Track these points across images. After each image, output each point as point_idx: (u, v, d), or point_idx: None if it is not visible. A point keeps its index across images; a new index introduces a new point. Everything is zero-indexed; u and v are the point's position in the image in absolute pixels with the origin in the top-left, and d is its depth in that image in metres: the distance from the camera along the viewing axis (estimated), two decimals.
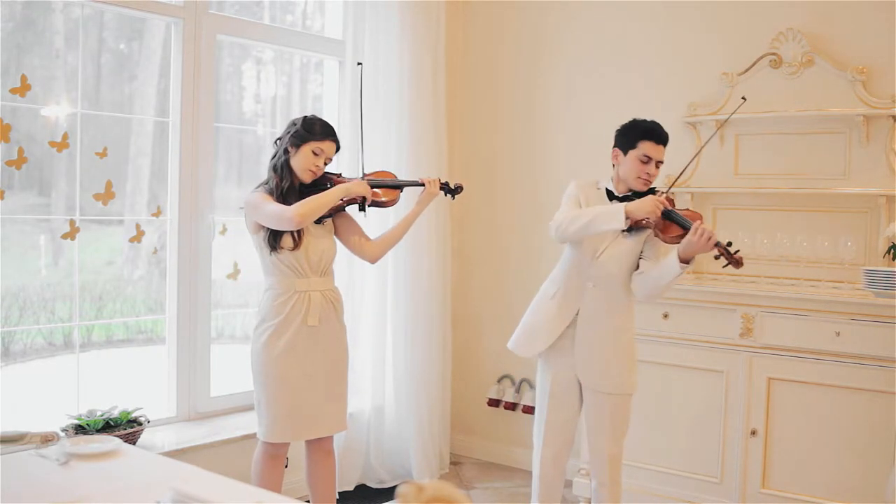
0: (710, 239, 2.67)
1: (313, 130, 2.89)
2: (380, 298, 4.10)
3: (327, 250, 2.95)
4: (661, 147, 2.89)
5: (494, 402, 4.51)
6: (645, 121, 2.93)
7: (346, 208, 3.02)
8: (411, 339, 4.14)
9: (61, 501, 1.76)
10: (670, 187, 3.11)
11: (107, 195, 3.39)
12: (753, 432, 3.38)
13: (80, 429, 3.11)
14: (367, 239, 3.06)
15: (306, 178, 2.91)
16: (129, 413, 3.26)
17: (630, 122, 2.95)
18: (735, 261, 2.71)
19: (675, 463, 3.58)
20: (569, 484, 3.91)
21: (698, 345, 3.51)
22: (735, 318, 3.42)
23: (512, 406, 4.42)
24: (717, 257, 2.74)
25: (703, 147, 3.38)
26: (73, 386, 3.37)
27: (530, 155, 4.44)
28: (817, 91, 3.56)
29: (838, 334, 3.20)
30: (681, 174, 3.20)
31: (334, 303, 2.98)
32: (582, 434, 3.12)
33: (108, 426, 3.17)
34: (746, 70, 3.73)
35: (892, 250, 3.30)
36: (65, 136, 3.26)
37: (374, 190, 3.02)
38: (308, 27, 4.36)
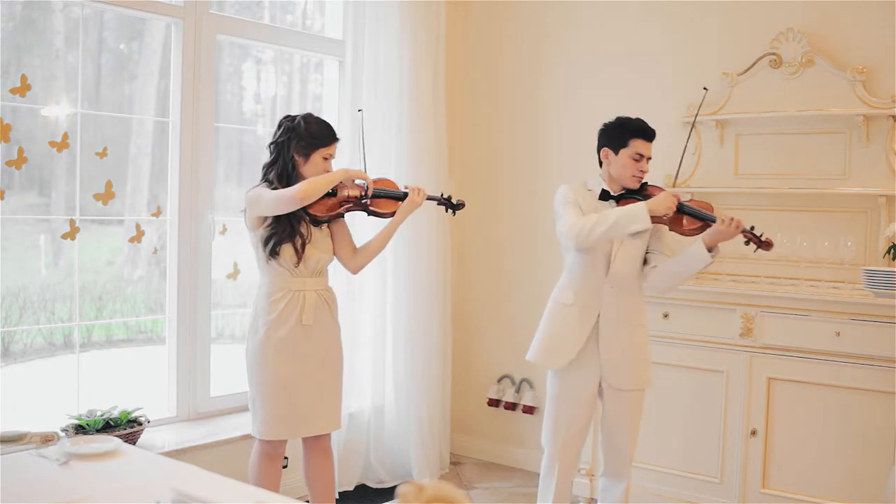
0: (738, 226, 2.74)
1: (320, 136, 2.88)
2: (380, 298, 4.10)
3: (324, 255, 2.94)
4: (650, 144, 2.93)
5: (494, 402, 4.51)
6: (632, 119, 2.96)
7: (345, 216, 3.01)
8: (411, 339, 4.13)
9: (61, 501, 1.76)
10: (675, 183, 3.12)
11: (107, 195, 3.39)
12: (753, 432, 3.38)
13: (80, 429, 3.11)
14: (354, 250, 3.04)
15: None
16: (129, 413, 3.26)
17: (618, 121, 2.97)
18: (764, 243, 2.78)
19: (675, 463, 3.58)
20: None
21: (698, 345, 3.51)
22: (735, 318, 3.42)
23: (512, 406, 4.42)
24: (746, 243, 2.82)
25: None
26: (73, 386, 3.37)
27: (530, 155, 4.44)
28: (817, 91, 3.56)
29: (838, 334, 3.20)
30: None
31: (329, 302, 2.97)
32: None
33: (108, 426, 3.17)
34: (746, 70, 3.73)
35: (892, 250, 3.30)
36: (65, 136, 3.26)
37: (374, 200, 2.99)
38: (308, 27, 4.36)
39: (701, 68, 3.89)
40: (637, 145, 2.89)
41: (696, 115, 3.19)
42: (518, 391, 4.45)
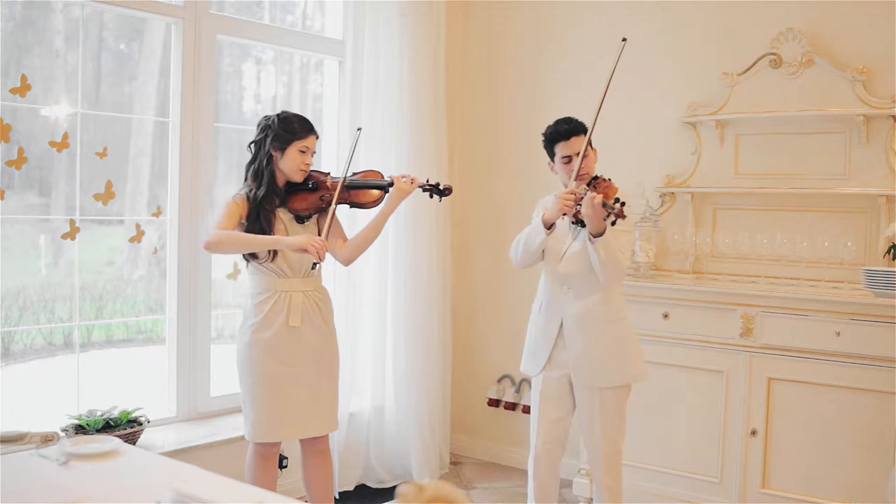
0: (595, 203, 2.65)
1: (295, 130, 2.88)
2: (380, 298, 4.10)
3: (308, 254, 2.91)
4: (573, 140, 2.91)
5: (494, 402, 4.51)
6: (550, 125, 2.99)
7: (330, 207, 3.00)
8: (411, 339, 4.13)
9: (61, 501, 1.76)
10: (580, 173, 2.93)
11: (107, 195, 3.40)
12: (753, 432, 3.38)
13: (80, 429, 3.11)
14: (344, 241, 3.02)
15: (299, 177, 2.92)
16: (129, 413, 3.26)
17: (544, 133, 3.00)
18: (618, 214, 2.63)
19: (675, 463, 3.58)
20: (568, 484, 3.91)
21: (698, 345, 3.51)
22: (735, 318, 3.42)
23: (512, 406, 4.42)
24: (605, 217, 2.67)
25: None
26: (73, 386, 3.37)
27: (530, 155, 4.43)
28: (817, 91, 3.56)
29: (838, 334, 3.20)
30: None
31: (319, 303, 2.94)
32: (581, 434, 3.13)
33: (108, 426, 3.17)
34: (746, 70, 3.73)
35: (892, 250, 3.30)
36: (65, 136, 3.26)
37: (354, 191, 2.99)
38: (308, 27, 4.36)
39: (701, 68, 3.89)
40: (560, 149, 2.94)
41: (613, 71, 2.95)
42: (518, 391, 4.45)
